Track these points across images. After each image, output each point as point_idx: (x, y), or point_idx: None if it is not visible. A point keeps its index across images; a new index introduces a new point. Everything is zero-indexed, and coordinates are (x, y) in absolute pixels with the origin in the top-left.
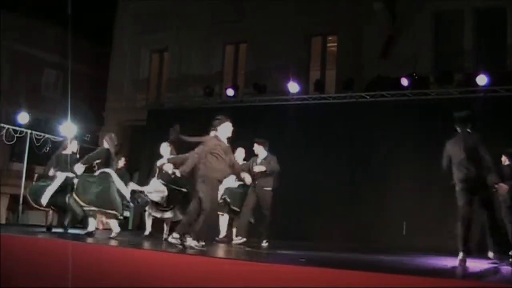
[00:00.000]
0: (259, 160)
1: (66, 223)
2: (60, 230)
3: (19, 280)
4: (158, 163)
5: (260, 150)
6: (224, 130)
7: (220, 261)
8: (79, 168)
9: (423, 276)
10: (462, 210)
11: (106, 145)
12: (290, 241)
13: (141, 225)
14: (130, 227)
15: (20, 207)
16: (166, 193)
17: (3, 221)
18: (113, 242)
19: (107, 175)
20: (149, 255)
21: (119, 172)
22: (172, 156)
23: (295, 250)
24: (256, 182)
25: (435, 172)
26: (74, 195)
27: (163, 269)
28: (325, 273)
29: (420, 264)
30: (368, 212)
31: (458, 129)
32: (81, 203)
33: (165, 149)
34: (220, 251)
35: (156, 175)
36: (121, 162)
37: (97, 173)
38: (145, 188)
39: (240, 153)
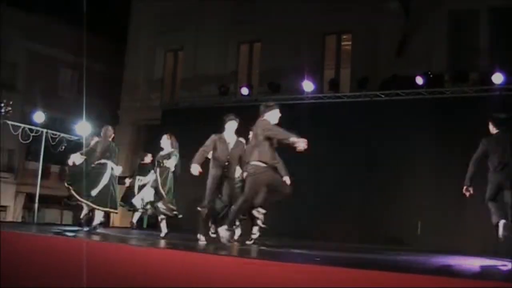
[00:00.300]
0: None
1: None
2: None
3: (36, 279)
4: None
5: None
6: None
7: (234, 260)
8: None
9: (442, 276)
10: None
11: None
12: (305, 241)
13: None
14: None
15: (36, 206)
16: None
17: (19, 220)
18: (134, 241)
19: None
20: (166, 254)
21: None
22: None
23: (309, 249)
24: None
25: (451, 171)
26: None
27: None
28: (340, 272)
29: (437, 264)
30: (383, 211)
31: (495, 129)
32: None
33: (165, 141)
34: (231, 249)
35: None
36: (148, 158)
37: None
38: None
39: None
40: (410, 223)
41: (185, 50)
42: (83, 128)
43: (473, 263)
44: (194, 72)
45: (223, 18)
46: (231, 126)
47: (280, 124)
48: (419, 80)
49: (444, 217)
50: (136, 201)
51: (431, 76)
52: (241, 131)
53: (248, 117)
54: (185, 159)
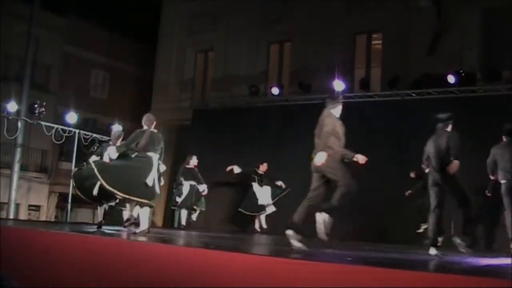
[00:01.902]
0: None
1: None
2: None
3: (71, 277)
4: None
5: None
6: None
7: (265, 259)
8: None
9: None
10: None
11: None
12: (335, 241)
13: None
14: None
15: (69, 205)
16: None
17: (52, 219)
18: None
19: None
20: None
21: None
22: None
23: (342, 249)
24: None
25: (484, 170)
26: None
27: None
28: (373, 272)
29: (473, 264)
30: (416, 211)
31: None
32: None
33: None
34: (262, 248)
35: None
36: (194, 161)
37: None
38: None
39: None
40: (443, 223)
41: (215, 50)
42: (115, 128)
43: None
44: (224, 73)
45: (253, 18)
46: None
47: (313, 124)
48: (451, 79)
49: (479, 216)
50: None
51: (463, 74)
52: (272, 130)
53: (278, 117)
54: (216, 158)
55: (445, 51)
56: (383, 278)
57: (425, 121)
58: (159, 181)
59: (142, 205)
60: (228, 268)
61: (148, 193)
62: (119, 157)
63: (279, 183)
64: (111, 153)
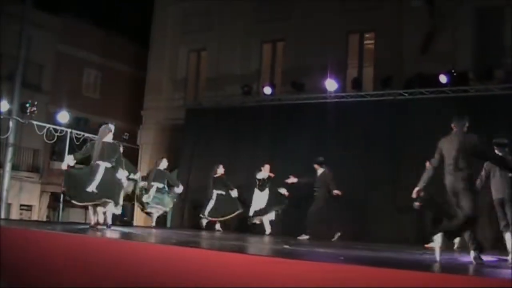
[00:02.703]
0: None
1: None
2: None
3: (63, 277)
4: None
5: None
6: None
7: (259, 259)
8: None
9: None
10: None
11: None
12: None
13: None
14: (168, 224)
15: (61, 205)
16: None
17: (44, 219)
18: (157, 239)
19: None
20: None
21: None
22: None
23: (336, 249)
24: None
25: (476, 170)
26: None
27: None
28: (365, 271)
29: (467, 263)
30: (407, 210)
31: None
32: None
33: None
34: (257, 248)
35: None
36: (221, 170)
37: None
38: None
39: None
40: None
41: (208, 49)
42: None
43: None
44: (217, 72)
45: (246, 18)
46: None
47: (305, 123)
48: (443, 79)
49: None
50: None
51: (455, 74)
52: (265, 130)
53: (271, 117)
54: (209, 158)
55: (438, 51)
56: (376, 277)
57: (418, 121)
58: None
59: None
60: (223, 268)
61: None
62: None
63: (283, 191)
64: (68, 160)
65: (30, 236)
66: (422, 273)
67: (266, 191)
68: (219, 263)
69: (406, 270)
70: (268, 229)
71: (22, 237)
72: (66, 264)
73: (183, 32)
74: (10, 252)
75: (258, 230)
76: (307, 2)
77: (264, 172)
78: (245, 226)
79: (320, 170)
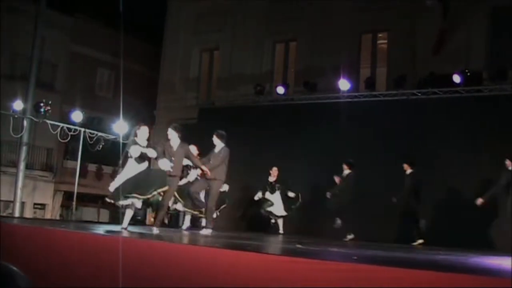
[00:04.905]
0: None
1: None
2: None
3: (76, 275)
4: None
5: (217, 142)
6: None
7: (269, 258)
8: None
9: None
10: None
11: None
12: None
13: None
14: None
15: (74, 204)
16: None
17: (58, 217)
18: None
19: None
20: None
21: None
22: None
23: (348, 248)
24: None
25: (489, 170)
26: None
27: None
28: (379, 271)
29: (475, 263)
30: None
31: None
32: None
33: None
34: (268, 246)
35: None
36: (275, 172)
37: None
38: None
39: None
40: (445, 221)
41: (221, 49)
42: (120, 127)
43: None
44: (230, 72)
45: (258, 18)
46: None
47: (318, 123)
48: (457, 78)
49: (481, 216)
50: None
51: (468, 74)
52: (278, 130)
53: (284, 117)
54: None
55: (451, 51)
56: (389, 277)
57: (431, 121)
58: None
59: None
60: (233, 267)
61: None
62: None
63: (292, 194)
64: None
65: (46, 235)
66: (429, 272)
67: (277, 193)
68: (229, 262)
69: (418, 269)
70: (281, 229)
71: (39, 235)
72: (82, 263)
73: (196, 31)
74: (28, 250)
75: (267, 229)
76: (320, 2)
77: (273, 176)
78: (258, 225)
79: (347, 171)
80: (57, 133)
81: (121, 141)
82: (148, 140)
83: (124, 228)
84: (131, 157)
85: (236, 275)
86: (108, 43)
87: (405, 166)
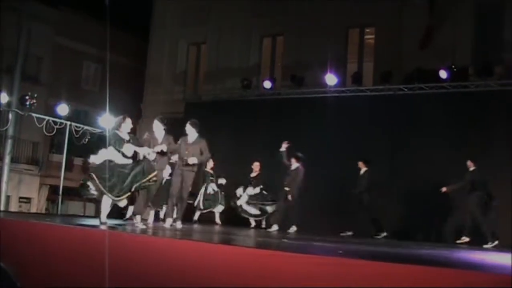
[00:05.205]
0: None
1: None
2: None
3: (60, 268)
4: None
5: (191, 132)
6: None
7: (255, 252)
8: None
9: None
10: None
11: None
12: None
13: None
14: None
15: (60, 198)
16: None
17: (43, 211)
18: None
19: None
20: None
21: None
22: None
23: (332, 243)
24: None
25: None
26: None
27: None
28: (363, 265)
29: (458, 257)
30: (406, 205)
31: None
32: None
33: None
34: (256, 242)
35: None
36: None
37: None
38: None
39: None
40: (433, 217)
41: (208, 43)
42: (106, 121)
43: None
44: (217, 65)
45: (246, 11)
46: None
47: (304, 117)
48: (443, 74)
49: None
50: None
51: (455, 69)
52: (265, 124)
53: (271, 111)
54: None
55: (438, 46)
56: (373, 272)
57: (417, 116)
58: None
59: None
60: (218, 261)
61: None
62: None
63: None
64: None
65: (32, 229)
66: (413, 267)
67: (258, 188)
68: (208, 255)
69: (400, 264)
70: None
71: (25, 230)
72: (69, 257)
73: (183, 25)
74: (11, 243)
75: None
76: None
77: (255, 171)
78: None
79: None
80: (42, 126)
81: (107, 134)
82: (129, 133)
83: (103, 222)
84: (118, 151)
85: (210, 268)
86: (94, 36)
87: (360, 164)
